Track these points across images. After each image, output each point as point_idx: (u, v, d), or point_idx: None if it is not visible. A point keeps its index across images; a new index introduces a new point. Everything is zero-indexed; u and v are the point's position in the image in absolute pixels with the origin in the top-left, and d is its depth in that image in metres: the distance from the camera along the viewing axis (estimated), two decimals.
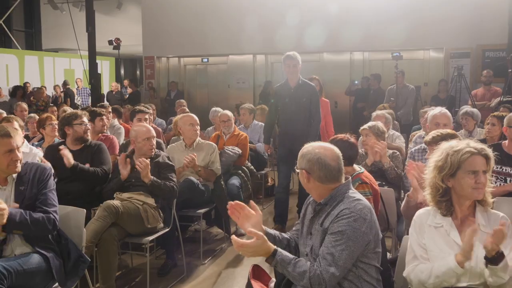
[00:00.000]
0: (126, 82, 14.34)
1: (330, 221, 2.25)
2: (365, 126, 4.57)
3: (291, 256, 2.24)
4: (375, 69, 11.14)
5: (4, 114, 5.49)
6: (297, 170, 2.41)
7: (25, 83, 13.85)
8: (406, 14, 10.27)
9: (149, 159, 3.97)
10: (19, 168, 2.89)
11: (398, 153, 4.56)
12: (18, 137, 2.92)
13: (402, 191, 4.31)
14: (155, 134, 4.19)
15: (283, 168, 5.48)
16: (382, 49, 10.81)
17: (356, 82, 11.14)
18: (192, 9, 12.11)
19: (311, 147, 2.41)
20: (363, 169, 3.40)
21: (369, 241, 2.25)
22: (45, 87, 14.77)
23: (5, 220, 2.63)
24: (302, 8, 11.04)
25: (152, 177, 3.86)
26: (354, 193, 2.36)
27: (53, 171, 3.06)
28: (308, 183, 2.37)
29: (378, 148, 4.25)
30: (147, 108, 5.81)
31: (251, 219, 2.42)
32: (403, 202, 3.16)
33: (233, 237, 2.17)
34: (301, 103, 5.30)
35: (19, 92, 12.25)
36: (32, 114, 6.54)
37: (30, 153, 4.23)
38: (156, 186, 3.88)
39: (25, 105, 7.33)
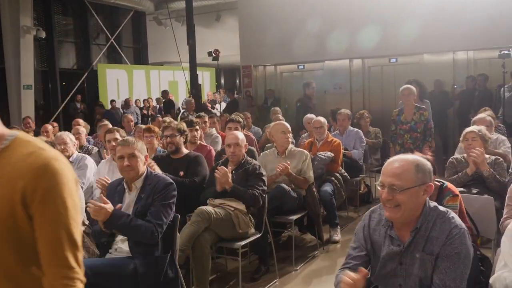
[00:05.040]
0: (222, 91, 14.87)
1: (440, 244, 2.08)
2: (473, 129, 4.29)
3: None
4: (481, 69, 10.43)
5: (109, 126, 5.95)
6: (409, 188, 2.08)
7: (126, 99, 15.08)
8: None
9: (234, 166, 4.14)
10: (131, 175, 3.16)
11: (501, 159, 4.23)
12: (132, 147, 3.16)
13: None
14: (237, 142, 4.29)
15: None
16: (489, 47, 10.10)
17: (456, 86, 10.50)
18: (287, 18, 12.23)
19: (410, 158, 2.17)
20: (444, 182, 3.21)
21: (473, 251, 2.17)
22: (151, 99, 15.83)
23: (102, 217, 2.90)
24: (399, 8, 10.70)
25: (232, 183, 3.98)
26: (437, 206, 2.21)
27: (175, 185, 3.23)
28: (421, 198, 2.12)
29: (473, 155, 3.98)
30: (240, 117, 5.98)
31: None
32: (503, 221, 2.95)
33: None
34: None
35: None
36: (139, 125, 7.02)
37: None
38: (236, 192, 3.99)
39: (131, 117, 7.89)
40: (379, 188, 2.18)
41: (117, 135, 4.67)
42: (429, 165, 2.19)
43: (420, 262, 2.13)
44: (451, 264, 2.05)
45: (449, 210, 2.21)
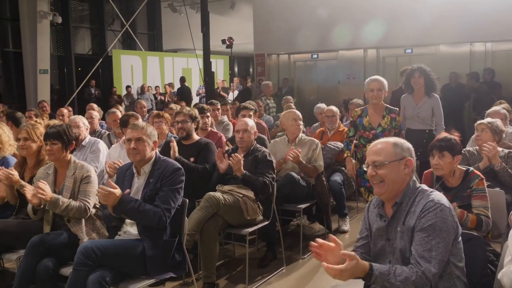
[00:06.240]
0: (236, 79, 14.88)
1: (415, 218, 2.20)
2: (483, 120, 4.28)
3: (385, 266, 2.16)
4: (499, 61, 10.27)
5: (118, 113, 6.03)
6: (388, 162, 2.26)
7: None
8: None
9: (243, 153, 4.17)
10: (136, 158, 3.17)
11: None
12: (142, 131, 3.17)
13: None
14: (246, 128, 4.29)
15: None
16: (507, 39, 9.91)
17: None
18: (301, 7, 12.14)
19: (390, 139, 2.38)
20: (470, 168, 3.31)
21: (457, 231, 2.21)
22: (167, 85, 15.89)
23: (110, 202, 2.94)
24: (415, 1, 10.56)
25: (244, 171, 3.98)
26: (423, 185, 2.34)
27: (183, 170, 3.24)
28: (403, 172, 2.27)
29: (486, 149, 3.94)
30: (252, 105, 6.00)
31: (333, 252, 2.18)
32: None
33: (326, 265, 2.04)
34: None
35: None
36: (153, 111, 7.07)
37: None
38: (247, 180, 4.00)
39: (144, 102, 7.93)
40: (365, 169, 2.39)
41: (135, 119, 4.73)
42: (407, 144, 2.36)
43: (400, 235, 2.26)
44: (426, 235, 2.14)
45: (432, 190, 2.30)
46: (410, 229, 2.21)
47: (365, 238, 2.48)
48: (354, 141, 5.01)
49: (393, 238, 2.30)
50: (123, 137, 4.40)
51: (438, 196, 2.24)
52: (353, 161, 4.96)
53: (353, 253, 2.10)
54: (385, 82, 4.67)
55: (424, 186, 2.33)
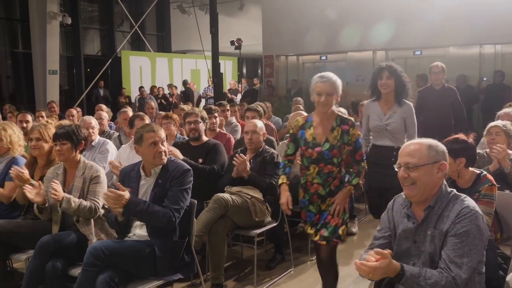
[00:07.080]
0: (244, 80, 14.91)
1: (449, 222, 2.17)
2: (497, 123, 4.22)
3: (415, 268, 2.14)
4: (509, 64, 10.20)
5: (130, 113, 6.05)
6: (422, 165, 2.21)
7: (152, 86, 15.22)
8: None
9: (252, 155, 4.16)
10: (164, 160, 3.18)
11: None
12: (162, 132, 3.22)
13: None
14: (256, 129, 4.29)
15: None
16: None
17: (485, 78, 10.30)
18: (310, 9, 12.15)
19: (424, 140, 2.32)
20: (484, 172, 3.25)
21: (488, 238, 2.19)
22: (175, 87, 15.94)
23: (120, 205, 2.93)
24: (424, 0, 10.52)
25: (250, 172, 3.99)
26: (455, 190, 2.30)
27: (192, 172, 3.25)
28: (436, 176, 2.24)
29: (495, 152, 3.90)
30: (259, 106, 6.00)
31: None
32: None
33: (359, 262, 2.02)
34: None
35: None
36: (160, 112, 7.10)
37: None
38: (253, 181, 4.00)
39: (153, 103, 7.96)
40: (397, 169, 2.31)
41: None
42: (442, 146, 2.31)
43: (430, 238, 2.22)
44: (459, 241, 2.11)
45: (465, 196, 2.25)
46: (442, 234, 2.18)
47: (386, 238, 2.42)
48: (298, 161, 3.57)
49: (420, 241, 2.27)
50: (132, 138, 4.42)
51: (472, 202, 2.21)
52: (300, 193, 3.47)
53: (386, 251, 2.06)
54: (338, 82, 3.33)
55: (454, 191, 2.30)
